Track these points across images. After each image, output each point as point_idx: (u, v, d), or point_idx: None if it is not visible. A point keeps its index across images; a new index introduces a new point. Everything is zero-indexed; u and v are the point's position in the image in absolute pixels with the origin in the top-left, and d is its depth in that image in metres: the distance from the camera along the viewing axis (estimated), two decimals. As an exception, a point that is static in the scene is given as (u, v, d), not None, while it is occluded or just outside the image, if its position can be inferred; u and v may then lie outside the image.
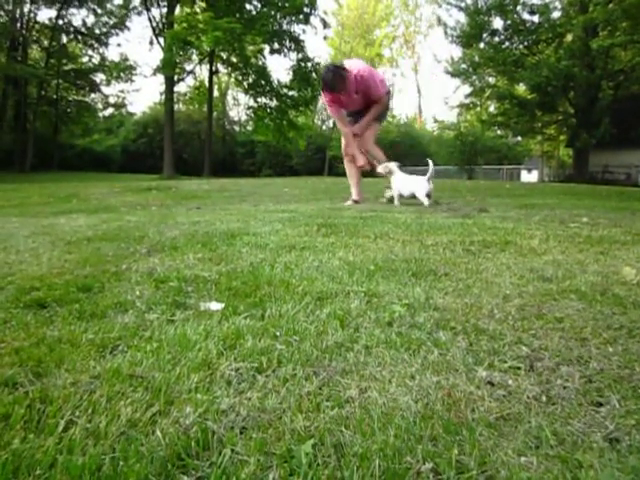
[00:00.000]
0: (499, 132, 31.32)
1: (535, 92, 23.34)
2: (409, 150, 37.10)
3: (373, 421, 0.82)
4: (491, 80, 26.51)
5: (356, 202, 5.51)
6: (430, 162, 5.00)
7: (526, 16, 22.97)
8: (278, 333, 1.19)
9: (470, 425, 0.80)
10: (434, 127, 41.51)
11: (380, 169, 5.29)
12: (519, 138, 32.04)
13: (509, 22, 23.08)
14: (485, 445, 0.76)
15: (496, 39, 24.12)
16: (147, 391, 0.90)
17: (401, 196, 5.20)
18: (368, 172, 5.96)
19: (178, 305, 1.45)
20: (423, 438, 0.76)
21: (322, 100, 5.83)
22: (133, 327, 1.26)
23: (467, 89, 27.98)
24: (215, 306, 1.41)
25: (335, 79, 5.17)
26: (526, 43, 24.01)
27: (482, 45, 24.56)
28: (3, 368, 1.01)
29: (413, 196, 5.08)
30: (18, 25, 29.75)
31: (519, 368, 1.05)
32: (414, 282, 1.72)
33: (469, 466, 0.70)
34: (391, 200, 5.44)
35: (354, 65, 5.36)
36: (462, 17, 24.37)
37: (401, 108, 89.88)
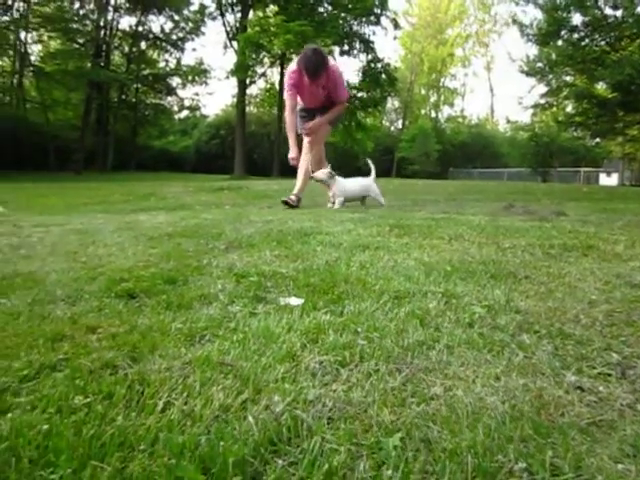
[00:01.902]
0: (576, 133, 29.96)
1: (616, 91, 22.11)
2: (481, 151, 36.21)
3: (460, 419, 0.82)
4: (568, 79, 25.40)
5: (293, 200, 5.00)
6: (370, 161, 5.29)
7: (608, 11, 21.83)
8: (359, 329, 1.20)
9: (562, 429, 0.79)
10: (507, 128, 40.24)
11: (321, 175, 4.93)
12: (598, 139, 30.52)
13: (589, 18, 22.01)
14: (579, 450, 0.74)
15: (575, 36, 23.06)
16: (236, 379, 0.94)
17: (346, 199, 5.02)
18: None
19: (259, 299, 1.49)
20: (513, 438, 0.76)
21: (285, 79, 5.16)
22: (218, 318, 1.31)
23: (543, 88, 26.89)
24: (295, 301, 1.44)
25: (320, 64, 4.77)
26: (608, 40, 22.83)
27: (560, 43, 23.56)
28: (103, 352, 1.08)
29: (358, 199, 5.09)
30: (102, 33, 31.43)
31: (609, 375, 1.01)
32: (493, 284, 1.69)
33: (563, 469, 0.69)
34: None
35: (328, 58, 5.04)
36: (539, 14, 23.48)
37: (472, 108, 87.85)
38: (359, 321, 1.27)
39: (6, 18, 27.44)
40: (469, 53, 48.98)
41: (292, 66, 5.11)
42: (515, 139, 34.63)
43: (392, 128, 46.16)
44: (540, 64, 24.71)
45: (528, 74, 25.52)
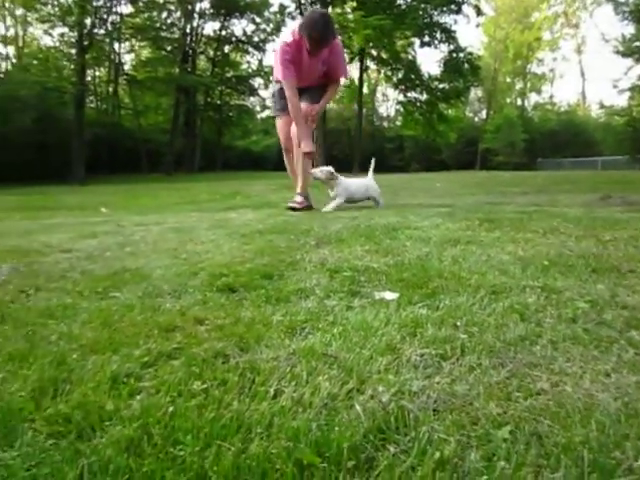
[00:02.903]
0: (681, 116, 27.71)
1: None
2: (571, 139, 34.36)
3: (569, 414, 0.80)
4: (671, 58, 23.55)
5: (300, 202, 4.39)
6: (373, 159, 4.78)
7: None
8: (458, 323, 1.20)
9: (683, 427, 0.75)
10: (600, 113, 37.84)
11: (319, 174, 4.33)
12: None
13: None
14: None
15: (678, 11, 21.36)
16: (340, 369, 0.98)
17: (349, 201, 4.48)
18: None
19: (354, 293, 1.52)
20: (629, 436, 0.73)
21: (279, 54, 4.25)
22: (316, 312, 1.35)
23: (641, 69, 25.14)
24: (390, 295, 1.46)
25: (330, 30, 4.15)
26: None
27: (660, 19, 21.90)
28: (213, 342, 1.15)
29: (360, 200, 4.53)
30: (188, 39, 32.83)
31: None
32: (595, 278, 1.62)
33: (687, 468, 0.66)
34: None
35: None
36: (636, -11, 21.94)
37: (562, 94, 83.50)
38: (457, 315, 1.26)
39: (102, 31, 29.28)
40: (557, 36, 46.48)
41: (286, 37, 4.32)
42: (610, 125, 32.55)
43: (476, 119, 44.83)
44: (638, 43, 23.09)
45: (624, 55, 23.92)
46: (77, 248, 2.60)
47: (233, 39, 34.93)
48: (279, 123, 4.70)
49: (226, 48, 35.57)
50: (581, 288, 1.51)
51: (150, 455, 0.71)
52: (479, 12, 29.57)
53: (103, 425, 0.81)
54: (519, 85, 47.12)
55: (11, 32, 31.87)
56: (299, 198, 4.43)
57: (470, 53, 29.13)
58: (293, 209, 4.37)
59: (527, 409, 0.82)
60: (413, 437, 0.75)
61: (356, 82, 32.07)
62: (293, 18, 31.96)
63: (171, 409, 0.83)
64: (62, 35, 29.39)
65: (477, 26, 36.80)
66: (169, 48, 32.35)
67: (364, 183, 4.58)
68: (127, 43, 33.00)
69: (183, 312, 1.40)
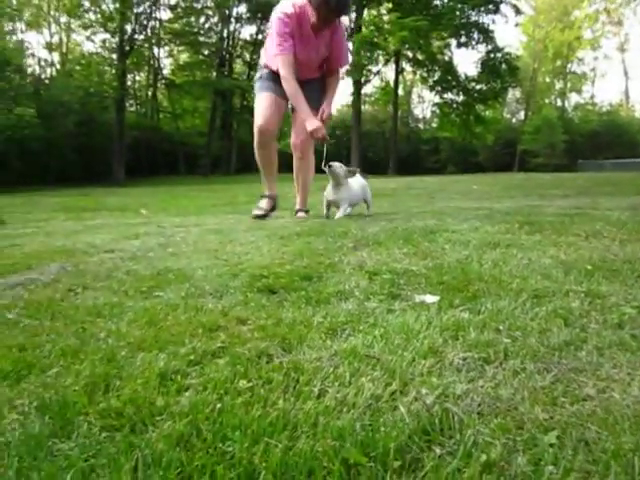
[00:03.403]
0: None
1: None
2: (613, 140, 33.44)
3: (617, 421, 0.79)
4: None
5: (268, 207, 4.15)
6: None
7: None
8: (500, 327, 1.20)
9: None
10: (644, 113, 36.69)
11: (339, 169, 3.69)
12: None
13: None
14: None
15: None
16: (383, 371, 0.98)
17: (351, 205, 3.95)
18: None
19: (394, 296, 1.53)
20: (683, 444, 0.72)
21: (277, 26, 3.52)
22: (356, 314, 1.36)
23: (689, 67, 24.22)
24: (430, 299, 1.46)
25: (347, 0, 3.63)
26: None
27: None
28: (256, 341, 1.18)
29: (357, 203, 4.03)
30: (225, 43, 33.31)
31: None
32: (642, 284, 1.58)
33: None
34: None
35: None
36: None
37: (603, 94, 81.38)
38: (499, 319, 1.26)
39: (142, 37, 30.00)
40: (599, 34, 45.26)
41: (286, 6, 3.53)
42: (655, 125, 31.54)
43: (513, 120, 44.07)
44: (685, 41, 22.31)
45: (671, 53, 23.11)
46: (120, 248, 2.67)
47: (269, 42, 35.22)
48: (260, 101, 3.87)
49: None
50: (627, 293, 1.48)
51: (200, 450, 0.74)
52: (518, 11, 29.14)
53: (154, 420, 0.84)
54: (559, 85, 46.12)
55: (55, 39, 32.94)
56: (303, 214, 4.09)
57: (508, 53, 28.68)
58: (269, 204, 4.17)
59: (574, 415, 0.81)
60: (458, 440, 0.75)
61: (391, 84, 31.95)
62: (329, 21, 32.02)
63: (219, 406, 0.85)
64: (104, 41, 30.29)
65: (516, 25, 36.25)
66: (206, 52, 32.93)
67: (361, 184, 4.01)
68: (166, 48, 33.73)
69: (225, 312, 1.43)
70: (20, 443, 0.79)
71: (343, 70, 4.19)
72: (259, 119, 3.85)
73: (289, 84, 3.58)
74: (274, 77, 3.80)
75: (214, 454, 0.73)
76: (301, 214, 4.08)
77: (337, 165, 3.69)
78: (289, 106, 3.98)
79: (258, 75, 4.09)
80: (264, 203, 4.20)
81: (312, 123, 3.57)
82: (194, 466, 0.70)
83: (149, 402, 0.89)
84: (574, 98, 47.90)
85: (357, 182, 3.92)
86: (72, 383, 0.99)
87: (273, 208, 4.23)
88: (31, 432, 0.82)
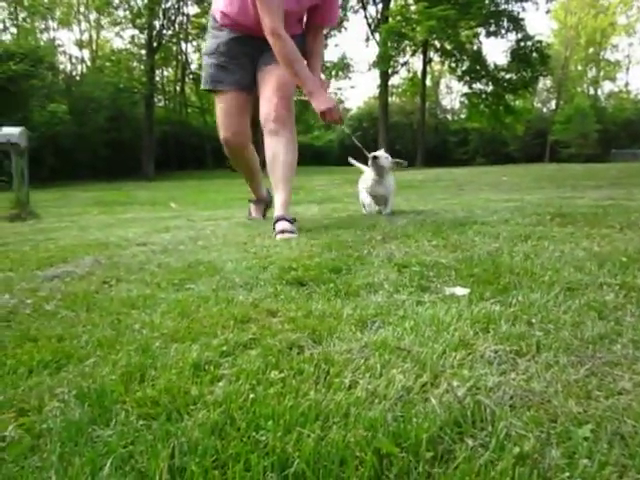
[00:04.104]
0: None
1: None
2: (649, 130, 32.53)
3: (654, 415, 0.78)
4: None
5: (257, 214, 3.65)
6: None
7: None
8: (533, 320, 1.18)
9: None
10: (683, 101, 35.59)
11: (385, 160, 3.18)
12: None
13: None
14: None
15: None
16: (414, 363, 0.98)
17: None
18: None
19: (423, 288, 1.52)
20: None
21: None
22: (386, 306, 1.36)
23: None
24: (460, 291, 1.45)
25: None
26: None
27: None
28: (287, 333, 1.19)
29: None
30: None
31: None
32: (679, 276, 1.54)
33: None
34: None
35: None
36: None
37: (638, 82, 79.05)
38: (531, 312, 1.24)
39: (170, 32, 30.31)
40: (634, 19, 43.93)
41: None
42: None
43: (544, 109, 43.19)
44: None
45: None
46: (152, 241, 2.72)
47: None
48: (222, 104, 3.02)
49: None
50: (664, 286, 1.45)
51: (234, 438, 0.75)
52: (549, -2, 28.43)
53: (189, 409, 0.86)
54: (591, 73, 45.01)
55: (85, 36, 33.53)
56: (287, 225, 2.68)
57: (539, 41, 28.11)
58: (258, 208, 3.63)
59: (608, 408, 0.80)
60: (490, 432, 0.75)
61: (419, 75, 31.61)
62: (356, 12, 31.87)
63: (252, 396, 0.87)
64: (132, 37, 30.71)
65: (547, 12, 35.48)
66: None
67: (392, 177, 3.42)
68: (194, 43, 33.98)
69: (256, 304, 1.45)
70: (62, 429, 0.81)
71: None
72: (221, 130, 3.09)
73: (282, 43, 2.60)
74: (231, 44, 2.89)
75: (248, 442, 0.74)
76: (283, 226, 2.66)
77: (383, 156, 3.17)
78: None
79: (207, 47, 3.01)
80: (253, 210, 3.64)
81: (324, 100, 2.70)
82: (229, 454, 0.72)
83: (184, 391, 0.91)
84: (607, 86, 46.90)
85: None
86: (109, 372, 1.02)
87: (265, 210, 3.67)
88: (71, 419, 0.84)
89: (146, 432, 0.79)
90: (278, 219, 2.72)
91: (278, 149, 2.85)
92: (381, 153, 3.20)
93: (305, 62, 2.72)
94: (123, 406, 0.89)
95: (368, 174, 3.29)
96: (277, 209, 2.81)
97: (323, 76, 3.00)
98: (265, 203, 3.65)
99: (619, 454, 0.69)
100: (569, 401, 0.83)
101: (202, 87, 3.11)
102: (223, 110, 3.03)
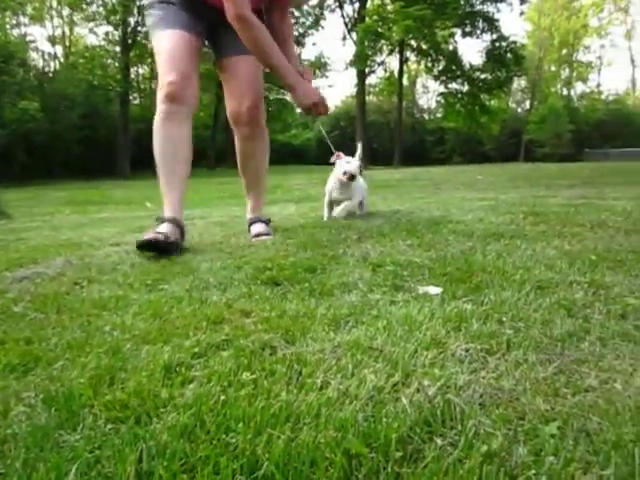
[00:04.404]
0: None
1: None
2: (620, 130, 33.22)
3: (619, 412, 0.79)
4: None
5: (169, 232, 2.20)
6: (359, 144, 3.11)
7: None
8: (503, 318, 1.20)
9: None
10: (652, 102, 36.43)
11: (355, 168, 2.84)
12: None
13: None
14: None
15: None
16: (386, 363, 0.99)
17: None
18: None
19: (397, 288, 1.53)
20: (683, 434, 0.72)
21: None
22: (359, 305, 1.37)
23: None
24: (434, 290, 1.46)
25: None
26: None
27: None
28: (260, 334, 1.18)
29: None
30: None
31: None
32: (647, 274, 1.58)
33: None
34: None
35: None
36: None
37: (610, 83, 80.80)
38: (502, 310, 1.26)
39: (145, 29, 29.91)
40: (605, 22, 44.83)
41: None
42: (663, 114, 31.31)
43: (519, 109, 43.81)
44: (693, 28, 22.10)
45: (678, 40, 22.89)
46: (125, 241, 2.69)
47: (273, 34, 35.13)
48: (164, 42, 2.34)
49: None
50: (631, 284, 1.48)
51: (204, 441, 0.75)
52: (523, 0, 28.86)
53: (158, 412, 0.85)
54: (565, 74, 45.79)
55: (58, 32, 32.93)
56: (263, 228, 2.61)
57: (514, 42, 28.51)
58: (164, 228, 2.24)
59: (575, 405, 0.82)
60: (460, 430, 0.76)
61: (396, 74, 31.78)
62: (332, 11, 31.92)
63: (222, 398, 0.86)
64: (107, 34, 30.24)
65: (521, 14, 35.92)
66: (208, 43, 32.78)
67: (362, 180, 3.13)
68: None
69: (230, 305, 1.44)
70: (27, 435, 0.80)
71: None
72: (167, 71, 2.28)
73: (251, 27, 2.20)
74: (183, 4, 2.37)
75: (217, 445, 0.74)
76: (259, 228, 2.59)
77: (355, 165, 2.86)
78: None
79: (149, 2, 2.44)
80: (164, 228, 2.25)
81: (309, 94, 2.39)
82: (198, 457, 0.71)
83: (154, 394, 0.90)
84: (580, 87, 47.66)
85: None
86: (77, 375, 1.00)
87: (181, 236, 2.33)
88: (37, 424, 0.83)
89: (114, 436, 0.78)
90: (253, 221, 2.71)
91: (252, 153, 2.79)
92: (354, 167, 2.83)
93: (278, 49, 2.29)
94: (91, 410, 0.87)
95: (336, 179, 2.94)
96: (250, 210, 2.81)
97: (304, 64, 2.37)
98: (181, 228, 2.34)
99: (584, 451, 0.70)
100: (537, 399, 0.84)
101: (150, 34, 2.44)
102: (167, 51, 2.32)
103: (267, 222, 2.70)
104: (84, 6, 29.15)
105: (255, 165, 2.80)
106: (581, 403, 0.82)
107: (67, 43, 33.32)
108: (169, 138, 2.37)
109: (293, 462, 0.69)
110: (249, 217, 2.75)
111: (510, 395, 0.86)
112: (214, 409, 0.83)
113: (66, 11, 31.99)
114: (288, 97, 37.38)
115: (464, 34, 28.83)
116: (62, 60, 32.44)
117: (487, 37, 28.65)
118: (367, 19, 27.21)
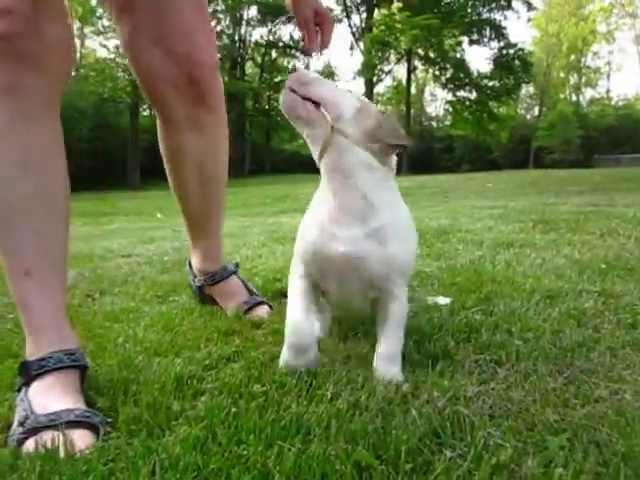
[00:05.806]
0: None
1: None
2: (631, 135, 33.01)
3: (629, 423, 0.79)
4: None
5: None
6: None
7: None
8: (513, 329, 1.20)
9: None
10: (662, 107, 36.20)
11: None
12: None
13: None
14: None
15: None
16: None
17: None
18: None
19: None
20: (693, 446, 0.72)
21: None
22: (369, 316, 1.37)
23: None
24: (443, 300, 1.46)
25: None
26: None
27: None
28: (270, 345, 1.20)
29: None
30: (236, 46, 33.50)
31: None
32: (657, 283, 1.57)
33: None
34: None
35: None
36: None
37: (619, 88, 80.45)
38: (511, 321, 1.26)
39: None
40: (614, 27, 44.62)
41: None
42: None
43: (527, 116, 43.69)
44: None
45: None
46: (137, 253, 2.72)
47: (280, 44, 35.41)
48: None
49: (274, 53, 36.11)
50: (641, 293, 1.47)
51: (216, 453, 0.75)
52: (530, 7, 28.93)
53: (171, 424, 0.86)
54: (573, 80, 45.60)
55: (70, 45, 33.29)
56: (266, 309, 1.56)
57: (521, 49, 28.51)
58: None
59: (585, 416, 0.82)
60: (469, 442, 0.76)
61: (403, 83, 31.84)
62: (339, 21, 32.07)
63: (234, 410, 0.87)
64: (117, 47, 30.51)
65: (528, 21, 35.93)
66: (218, 55, 33.09)
67: None
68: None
69: (240, 317, 1.45)
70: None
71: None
72: None
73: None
74: None
75: (229, 457, 0.74)
76: (262, 311, 1.53)
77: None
78: None
79: None
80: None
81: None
82: (210, 469, 0.72)
83: (166, 407, 0.91)
84: (589, 93, 47.39)
85: None
86: (91, 388, 1.01)
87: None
88: (52, 437, 0.84)
89: (127, 449, 0.79)
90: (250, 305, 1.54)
91: (199, 152, 1.56)
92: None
93: None
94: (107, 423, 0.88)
95: None
96: (196, 260, 1.64)
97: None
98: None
99: (594, 462, 0.70)
100: (546, 410, 0.84)
101: None
102: None
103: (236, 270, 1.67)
104: (94, 20, 29.52)
105: (213, 184, 1.64)
106: (591, 414, 0.83)
107: (78, 56, 33.74)
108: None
109: (304, 474, 0.70)
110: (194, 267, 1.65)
111: (519, 406, 0.86)
112: (225, 421, 0.84)
113: (77, 24, 32.41)
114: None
115: (471, 42, 28.92)
116: (73, 73, 32.81)
117: (494, 44, 28.76)
118: (374, 29, 27.35)
